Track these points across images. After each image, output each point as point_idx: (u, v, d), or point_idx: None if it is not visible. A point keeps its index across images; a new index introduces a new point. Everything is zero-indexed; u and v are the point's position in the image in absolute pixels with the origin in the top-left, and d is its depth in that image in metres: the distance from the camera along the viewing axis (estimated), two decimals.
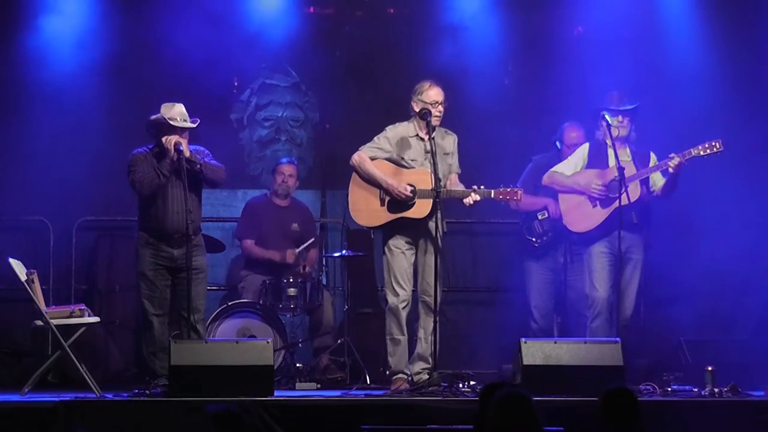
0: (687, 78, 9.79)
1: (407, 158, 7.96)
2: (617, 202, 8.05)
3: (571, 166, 8.46)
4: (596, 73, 9.38)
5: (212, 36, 9.77)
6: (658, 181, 8.30)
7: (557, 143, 9.11)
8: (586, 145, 8.51)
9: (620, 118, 8.28)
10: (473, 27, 10.11)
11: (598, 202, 8.31)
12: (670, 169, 8.12)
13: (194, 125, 7.89)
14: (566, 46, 10.01)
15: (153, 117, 7.85)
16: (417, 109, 7.94)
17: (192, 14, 9.73)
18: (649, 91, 9.26)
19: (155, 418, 6.92)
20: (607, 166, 8.32)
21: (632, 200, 8.12)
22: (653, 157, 8.35)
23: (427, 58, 9.68)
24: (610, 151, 8.30)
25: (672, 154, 8.10)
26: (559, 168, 8.50)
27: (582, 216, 8.37)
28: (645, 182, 8.31)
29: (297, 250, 9.30)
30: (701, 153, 8.08)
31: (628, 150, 8.35)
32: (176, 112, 7.84)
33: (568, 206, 8.46)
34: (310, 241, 9.40)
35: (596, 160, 8.40)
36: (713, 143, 8.07)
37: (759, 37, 9.77)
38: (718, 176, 9.41)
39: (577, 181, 8.38)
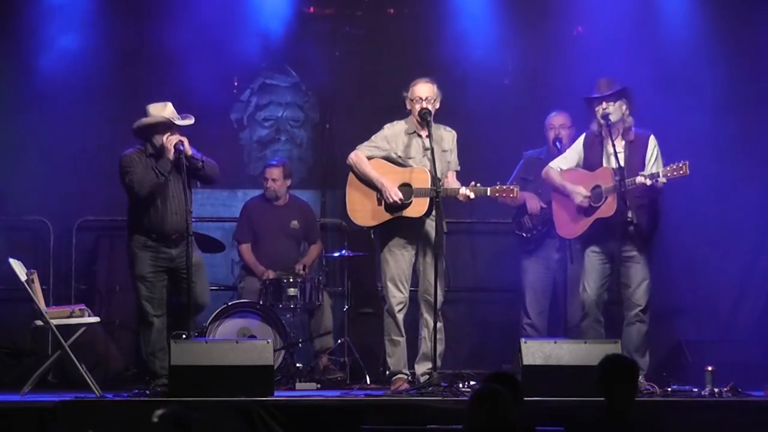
0: (687, 77, 9.78)
1: (405, 156, 7.95)
2: (598, 212, 7.94)
3: (567, 161, 8.25)
4: (596, 73, 9.35)
5: (212, 36, 9.78)
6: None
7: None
8: (582, 138, 8.27)
9: (604, 104, 8.00)
10: (473, 27, 10.10)
11: (582, 209, 8.08)
12: (636, 184, 7.84)
13: (191, 122, 7.87)
14: (566, 46, 10.01)
15: (150, 119, 7.81)
16: (408, 107, 7.96)
17: (192, 14, 9.73)
18: (649, 90, 9.25)
19: None
20: (602, 160, 8.09)
21: (607, 215, 7.91)
22: (652, 141, 8.05)
23: (427, 58, 9.67)
24: (606, 143, 8.13)
25: (641, 173, 7.82)
26: (554, 164, 8.30)
27: (567, 221, 8.18)
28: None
29: (276, 273, 9.17)
30: (668, 175, 7.78)
31: (623, 141, 8.05)
32: (170, 112, 7.82)
33: (558, 207, 8.27)
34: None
35: (591, 153, 8.16)
36: (679, 165, 7.74)
37: (759, 34, 9.77)
38: (718, 176, 9.41)
39: (565, 184, 8.17)
